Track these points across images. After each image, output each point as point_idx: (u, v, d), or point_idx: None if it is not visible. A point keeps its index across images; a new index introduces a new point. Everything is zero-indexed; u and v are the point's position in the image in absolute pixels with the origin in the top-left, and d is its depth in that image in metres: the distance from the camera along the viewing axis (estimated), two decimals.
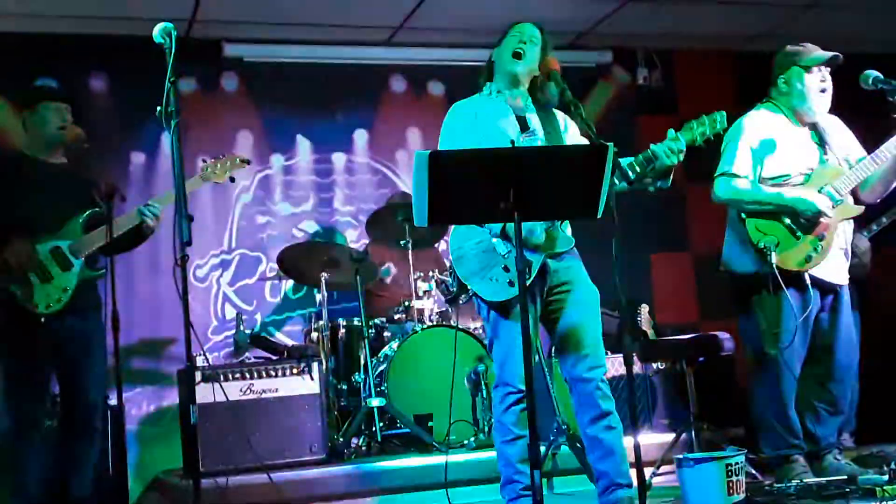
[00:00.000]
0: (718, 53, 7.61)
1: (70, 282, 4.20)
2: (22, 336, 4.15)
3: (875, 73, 4.17)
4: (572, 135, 3.79)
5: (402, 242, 5.80)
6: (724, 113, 3.62)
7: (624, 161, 3.52)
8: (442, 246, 6.67)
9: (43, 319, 4.14)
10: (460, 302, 3.80)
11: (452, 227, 3.77)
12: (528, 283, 3.39)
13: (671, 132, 3.52)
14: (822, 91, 4.28)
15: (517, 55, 3.72)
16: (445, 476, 4.10)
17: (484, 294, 3.62)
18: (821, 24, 6.81)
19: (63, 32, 6.22)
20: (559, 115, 3.82)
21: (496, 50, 3.82)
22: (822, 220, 4.15)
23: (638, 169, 3.52)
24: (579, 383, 3.61)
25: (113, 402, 4.55)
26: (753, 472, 4.27)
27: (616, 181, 3.50)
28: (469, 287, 3.66)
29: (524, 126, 3.72)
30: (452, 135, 3.73)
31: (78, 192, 4.32)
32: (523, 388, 3.55)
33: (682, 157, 3.51)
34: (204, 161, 4.45)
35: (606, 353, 3.56)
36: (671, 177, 3.58)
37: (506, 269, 3.57)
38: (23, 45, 6.11)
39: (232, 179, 4.48)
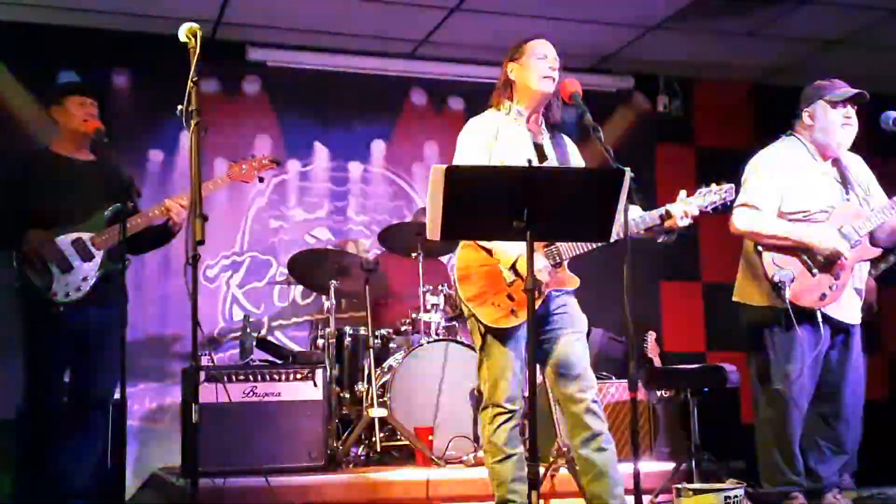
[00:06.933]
0: (738, 84, 7.61)
1: (91, 273, 4.20)
2: (41, 326, 4.17)
3: (895, 113, 4.15)
4: (577, 160, 3.81)
5: (413, 255, 5.79)
6: (734, 185, 3.68)
7: (637, 212, 3.57)
8: (453, 260, 6.67)
9: (62, 309, 4.14)
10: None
11: (459, 246, 3.76)
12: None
13: (682, 194, 3.60)
14: (846, 127, 4.23)
15: (550, 78, 3.69)
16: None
17: (483, 318, 3.61)
18: (843, 60, 6.80)
19: (88, 26, 6.27)
20: (566, 139, 3.84)
21: (515, 68, 3.74)
22: (839, 260, 4.12)
23: (648, 221, 3.56)
24: (570, 404, 3.61)
25: (116, 396, 4.56)
26: None
27: (640, 223, 3.53)
28: (467, 308, 3.66)
29: (542, 155, 3.71)
30: (469, 151, 3.69)
31: (105, 189, 4.29)
32: (514, 408, 3.58)
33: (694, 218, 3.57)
34: (234, 161, 4.47)
35: (611, 378, 3.57)
36: (677, 233, 3.62)
37: (510, 297, 3.57)
38: (46, 37, 6.16)
39: (261, 179, 4.53)
